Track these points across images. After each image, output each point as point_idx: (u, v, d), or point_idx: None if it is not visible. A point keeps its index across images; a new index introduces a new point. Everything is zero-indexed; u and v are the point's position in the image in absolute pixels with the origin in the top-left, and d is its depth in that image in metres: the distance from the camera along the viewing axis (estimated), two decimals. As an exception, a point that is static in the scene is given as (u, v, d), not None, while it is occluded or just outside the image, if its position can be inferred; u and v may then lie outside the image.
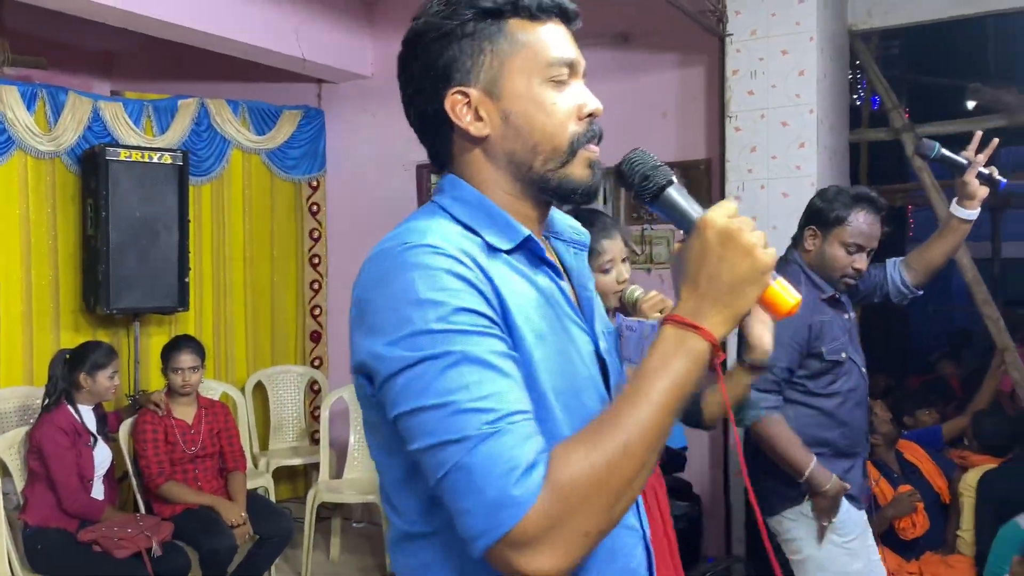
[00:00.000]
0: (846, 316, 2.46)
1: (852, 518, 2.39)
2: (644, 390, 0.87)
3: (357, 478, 4.43)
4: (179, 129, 4.75)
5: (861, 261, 2.37)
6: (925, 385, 5.06)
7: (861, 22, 4.21)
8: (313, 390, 5.20)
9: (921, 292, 2.60)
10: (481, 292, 0.91)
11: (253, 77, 5.27)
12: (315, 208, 5.37)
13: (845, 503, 2.36)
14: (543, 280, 1.01)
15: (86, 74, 5.67)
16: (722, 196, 3.85)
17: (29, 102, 4.24)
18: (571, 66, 1.02)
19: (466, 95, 1.00)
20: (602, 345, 1.07)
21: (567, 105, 1.01)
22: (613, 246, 2.03)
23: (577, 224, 1.16)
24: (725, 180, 3.84)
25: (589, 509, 0.82)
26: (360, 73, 5.14)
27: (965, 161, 2.33)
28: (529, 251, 1.01)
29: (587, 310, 1.07)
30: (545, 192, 1.02)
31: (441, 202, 1.02)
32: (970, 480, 3.55)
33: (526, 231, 1.00)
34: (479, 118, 1.00)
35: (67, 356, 3.52)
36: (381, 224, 5.21)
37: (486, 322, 0.89)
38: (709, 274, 0.89)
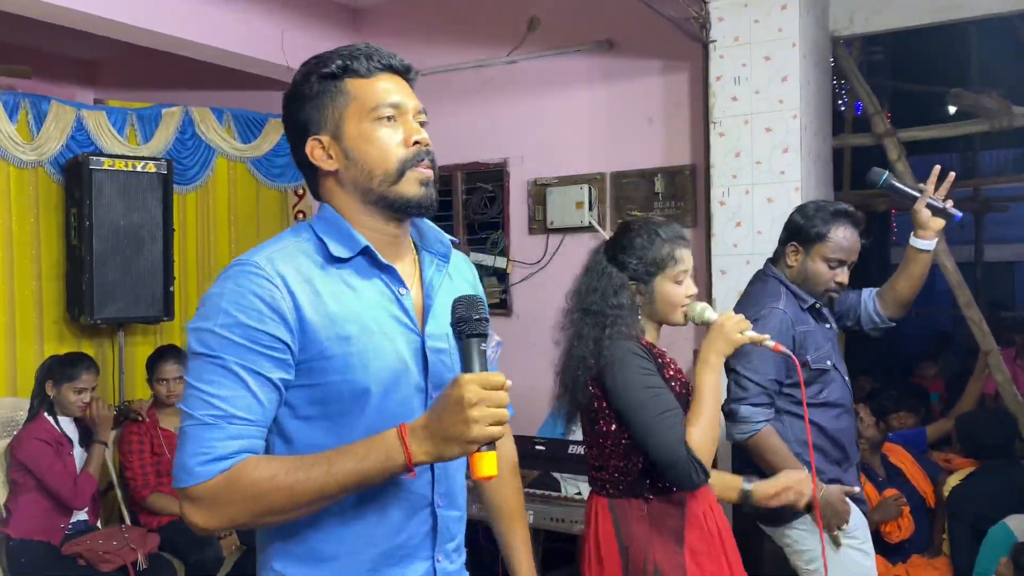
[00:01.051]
0: (828, 326, 2.49)
1: (859, 518, 2.43)
2: (334, 462, 1.12)
3: (345, 487, 4.42)
4: (163, 137, 4.73)
5: (843, 275, 2.43)
6: (905, 389, 5.09)
7: (843, 28, 4.24)
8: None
9: (894, 324, 2.64)
10: (274, 312, 1.17)
11: (238, 85, 5.26)
12: (301, 216, 5.35)
13: (853, 507, 2.40)
14: (375, 286, 1.26)
15: (69, 83, 5.64)
16: (707, 201, 3.87)
17: (11, 112, 4.22)
18: (396, 107, 1.28)
19: (320, 141, 1.28)
20: (431, 345, 1.30)
21: (394, 137, 1.27)
22: (688, 257, 1.97)
23: (445, 239, 1.40)
24: (710, 185, 3.85)
25: (239, 508, 1.13)
26: (345, 81, 5.14)
27: (915, 193, 2.39)
28: (368, 259, 1.27)
29: (431, 315, 1.31)
30: (388, 207, 1.27)
31: (313, 220, 1.32)
32: (953, 483, 3.57)
33: (364, 242, 1.26)
34: (330, 157, 1.28)
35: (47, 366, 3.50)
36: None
37: (262, 340, 1.16)
38: (438, 418, 1.11)
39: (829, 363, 2.41)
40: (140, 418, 3.59)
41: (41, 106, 4.32)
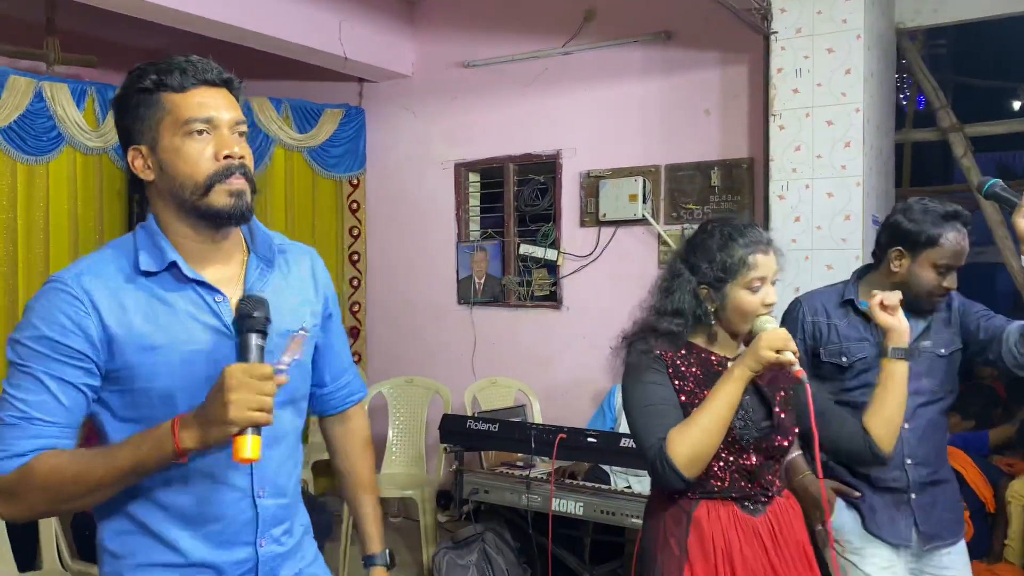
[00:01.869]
0: (867, 328, 2.30)
1: (850, 526, 2.28)
2: (114, 451, 1.24)
3: (396, 473, 4.46)
4: (223, 126, 4.81)
5: (951, 280, 2.22)
6: (964, 392, 4.95)
7: (909, 20, 4.15)
8: (351, 386, 5.23)
9: None
10: (77, 327, 1.26)
11: (296, 75, 5.33)
12: (355, 206, 5.41)
13: (846, 512, 2.28)
14: (184, 299, 1.33)
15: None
16: (766, 195, 3.81)
17: (79, 99, 4.33)
18: (208, 121, 1.31)
19: (139, 151, 1.33)
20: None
21: (205, 152, 1.31)
22: (766, 262, 1.79)
23: (274, 242, 1.46)
24: (769, 179, 3.80)
25: (34, 497, 1.24)
26: (400, 72, 5.17)
27: (1016, 200, 2.12)
28: (176, 271, 1.33)
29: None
30: (200, 217, 1.32)
31: (138, 228, 1.37)
32: (1017, 488, 3.49)
33: (172, 256, 1.32)
34: (148, 167, 1.33)
35: None
36: (419, 222, 5.28)
37: (63, 352, 1.26)
38: (204, 404, 1.20)
39: (844, 360, 2.28)
40: None
41: (107, 94, 4.43)
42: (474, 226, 5.18)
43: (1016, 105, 6.64)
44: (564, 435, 3.36)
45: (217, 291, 1.35)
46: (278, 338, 1.36)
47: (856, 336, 2.30)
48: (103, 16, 4.01)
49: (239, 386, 1.17)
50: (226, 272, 1.38)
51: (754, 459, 1.79)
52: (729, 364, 1.80)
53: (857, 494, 2.25)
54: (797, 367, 1.71)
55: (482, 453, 4.00)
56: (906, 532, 2.24)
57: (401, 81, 5.26)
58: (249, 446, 1.20)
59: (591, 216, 4.65)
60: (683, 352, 1.83)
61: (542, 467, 3.67)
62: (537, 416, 4.49)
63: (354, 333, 5.41)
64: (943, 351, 2.33)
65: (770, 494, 1.83)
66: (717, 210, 4.26)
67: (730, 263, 1.78)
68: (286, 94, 5.24)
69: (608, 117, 4.62)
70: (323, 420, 1.66)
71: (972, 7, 4.01)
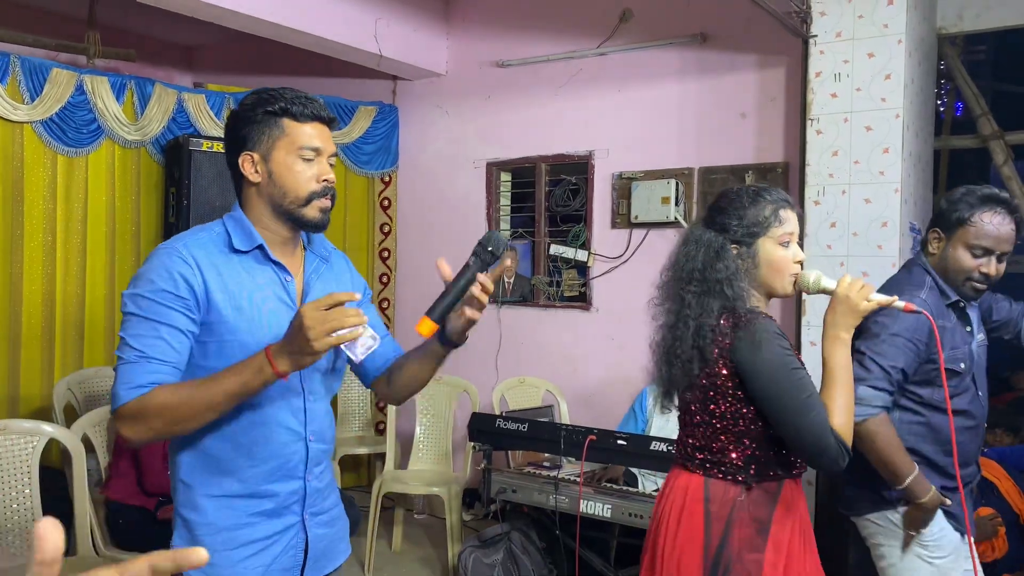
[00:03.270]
0: (968, 329, 2.29)
1: (947, 536, 2.25)
2: (219, 378, 1.47)
3: (422, 470, 4.48)
4: (258, 122, 4.85)
5: (989, 265, 2.19)
6: (1005, 402, 4.88)
7: (951, 25, 4.09)
8: (378, 382, 5.26)
9: None
10: (187, 283, 1.53)
11: (330, 72, 5.37)
12: (386, 203, 5.44)
13: (942, 519, 2.24)
14: (265, 275, 1.63)
15: (169, 67, 5.83)
16: (801, 200, 3.78)
17: (118, 93, 4.38)
18: (316, 150, 1.63)
19: (251, 156, 1.62)
20: None
21: (309, 173, 1.63)
22: (792, 219, 1.80)
23: (329, 245, 1.79)
24: (805, 184, 3.77)
25: (154, 421, 1.47)
26: (434, 71, 5.19)
27: None
28: (261, 253, 1.63)
29: (306, 297, 1.67)
30: (291, 220, 1.63)
31: (225, 217, 1.66)
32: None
33: (259, 240, 1.62)
34: (256, 171, 1.62)
35: None
36: (450, 219, 5.30)
37: (176, 301, 1.52)
38: (288, 340, 1.43)
39: (963, 366, 2.22)
40: None
41: (145, 88, 4.48)
42: (505, 225, 5.18)
43: (1055, 113, 6.53)
44: (594, 436, 3.36)
45: (288, 272, 1.66)
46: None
47: (960, 339, 2.25)
48: (143, 11, 4.06)
49: (312, 320, 1.39)
50: (292, 261, 1.69)
51: None
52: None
53: (949, 502, 2.21)
54: (902, 302, 1.74)
55: (509, 452, 4.01)
56: (971, 523, 2.30)
57: (435, 80, 5.28)
58: (423, 327, 1.55)
59: (623, 218, 4.63)
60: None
61: (568, 468, 3.66)
62: (564, 417, 4.49)
63: (383, 329, 5.44)
64: (986, 342, 2.37)
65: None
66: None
67: (760, 218, 1.77)
68: (320, 91, 5.27)
69: (642, 118, 4.60)
70: (377, 381, 1.85)
71: (1016, 13, 3.95)
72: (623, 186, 4.63)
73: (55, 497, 3.33)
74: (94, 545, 3.27)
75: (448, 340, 1.67)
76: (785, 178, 4.13)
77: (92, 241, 4.34)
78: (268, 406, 1.61)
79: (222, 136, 4.88)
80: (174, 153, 4.41)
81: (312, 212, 1.63)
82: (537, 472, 3.61)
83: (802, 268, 1.81)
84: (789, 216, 1.79)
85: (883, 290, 2.30)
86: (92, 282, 4.34)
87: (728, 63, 4.33)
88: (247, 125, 1.62)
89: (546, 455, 3.78)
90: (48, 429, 3.29)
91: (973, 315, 2.32)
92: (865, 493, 2.30)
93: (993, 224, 2.18)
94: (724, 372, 1.76)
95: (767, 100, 4.23)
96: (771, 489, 1.81)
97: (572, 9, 4.80)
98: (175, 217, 4.38)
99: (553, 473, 3.56)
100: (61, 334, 4.26)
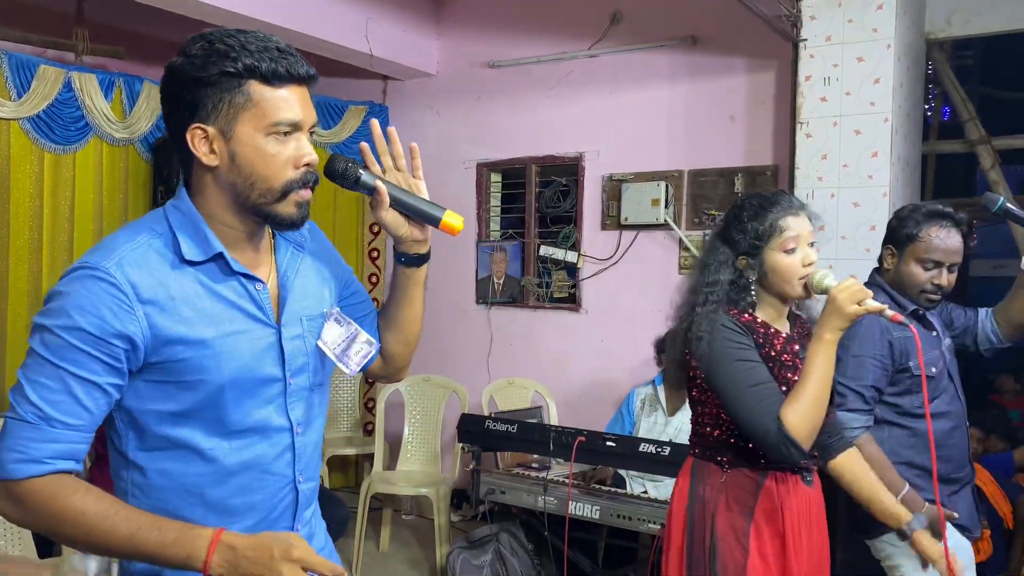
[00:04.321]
0: (934, 334, 2.38)
1: (962, 547, 2.27)
2: (141, 532, 1.14)
3: (410, 470, 4.47)
4: (247, 120, 4.83)
5: (941, 277, 2.31)
6: (982, 405, 4.91)
7: (939, 31, 4.12)
8: (368, 382, 5.25)
9: (1009, 345, 2.51)
10: (117, 324, 1.16)
11: (320, 71, 5.29)
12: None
13: (955, 532, 2.25)
14: (229, 288, 1.26)
15: (159, 64, 5.79)
16: (790, 204, 3.79)
17: (107, 90, 4.36)
18: (293, 125, 1.23)
19: (204, 131, 1.21)
20: (287, 334, 1.31)
21: (285, 155, 1.23)
22: (798, 224, 1.84)
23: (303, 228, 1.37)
24: (794, 187, 3.78)
25: (41, 520, 1.16)
26: (425, 71, 5.18)
27: None
28: (222, 263, 1.25)
29: (286, 305, 1.32)
30: (259, 216, 1.26)
31: (168, 207, 1.27)
32: (1039, 504, 3.45)
33: (218, 248, 1.24)
34: (212, 151, 1.22)
35: None
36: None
37: (97, 347, 1.16)
38: (252, 553, 1.13)
39: (934, 370, 2.30)
40: None
41: (134, 86, 4.46)
42: (494, 226, 5.18)
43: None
44: (583, 438, 3.36)
45: (258, 279, 1.29)
46: (309, 322, 1.35)
47: (931, 344, 2.34)
48: (131, 8, 4.04)
49: (288, 573, 1.11)
50: (258, 257, 1.32)
51: None
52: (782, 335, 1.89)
53: (956, 515, 2.20)
54: (890, 312, 1.75)
55: (498, 454, 4.01)
56: (977, 520, 2.40)
57: (426, 80, 5.27)
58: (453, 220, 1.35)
59: (612, 219, 4.64)
60: (763, 329, 1.87)
61: (557, 469, 3.66)
62: (553, 418, 4.49)
63: (372, 330, 5.43)
64: (953, 345, 2.47)
65: (815, 465, 1.93)
66: (740, 217, 4.24)
67: (762, 229, 1.84)
68: (311, 90, 5.25)
69: (632, 121, 4.61)
70: (373, 364, 1.53)
71: (1004, 19, 3.98)
72: (613, 188, 4.63)
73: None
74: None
75: (412, 256, 1.41)
76: (774, 181, 4.15)
77: (79, 239, 4.31)
78: (246, 450, 1.27)
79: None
80: (163, 151, 4.39)
81: (287, 208, 1.25)
82: (526, 473, 3.61)
83: (817, 269, 1.86)
84: (792, 223, 1.84)
85: None
86: (79, 280, 4.32)
87: (718, 66, 4.35)
88: (197, 87, 1.20)
89: (535, 456, 3.78)
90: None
91: (935, 320, 2.42)
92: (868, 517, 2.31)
93: (940, 238, 2.29)
94: (694, 364, 1.89)
95: (757, 103, 4.24)
96: (752, 476, 1.86)
97: (563, 10, 4.80)
98: (163, 216, 4.36)
99: (542, 474, 3.56)
100: (47, 333, 4.23)
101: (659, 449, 3.21)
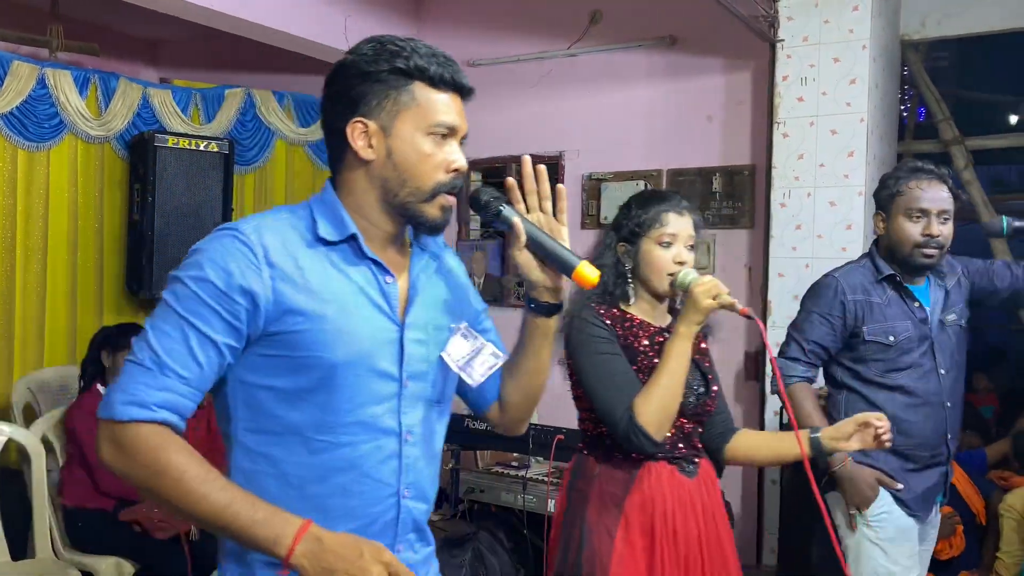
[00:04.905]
0: (916, 304, 2.34)
1: (893, 518, 2.30)
2: (234, 504, 1.13)
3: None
4: (225, 118, 4.80)
5: (931, 227, 2.26)
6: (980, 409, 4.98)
7: (914, 32, 4.17)
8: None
9: None
10: (243, 282, 1.18)
11: (299, 69, 5.32)
12: (354, 201, 5.40)
13: (888, 501, 2.29)
14: (359, 273, 1.27)
15: (134, 61, 5.74)
16: (767, 202, 3.83)
17: (81, 87, 4.31)
18: (451, 129, 1.28)
19: (365, 126, 1.25)
20: (410, 335, 1.30)
21: (439, 158, 1.27)
22: (677, 222, 1.89)
23: (442, 240, 1.42)
24: (771, 187, 3.81)
25: (138, 468, 1.14)
26: (404, 68, 5.17)
27: None
28: (355, 246, 1.28)
29: (413, 305, 1.32)
30: (403, 216, 1.29)
31: (312, 198, 1.31)
32: (1011, 501, 3.50)
33: (352, 229, 1.27)
34: (370, 146, 1.26)
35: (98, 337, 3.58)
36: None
37: (221, 302, 1.17)
38: (340, 550, 1.12)
39: (892, 339, 2.28)
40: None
41: (110, 83, 4.41)
42: (475, 225, 5.18)
43: (1014, 119, 6.66)
44: (562, 436, 3.36)
45: (389, 272, 1.30)
46: (435, 332, 1.34)
47: (898, 314, 2.32)
48: (107, 4, 4.00)
49: (372, 570, 1.10)
50: (394, 259, 1.32)
51: (688, 422, 1.91)
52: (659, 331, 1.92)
53: (899, 486, 2.28)
54: (740, 306, 1.78)
55: (477, 452, 4.01)
56: (935, 505, 2.40)
57: (405, 78, 5.25)
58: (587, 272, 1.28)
59: (592, 219, 4.65)
60: (628, 323, 1.91)
61: (536, 468, 3.67)
62: (533, 416, 4.49)
63: (351, 329, 5.41)
64: (963, 322, 2.42)
65: (699, 457, 1.95)
66: (718, 216, 4.27)
67: (644, 218, 1.89)
68: (289, 87, 5.23)
69: (612, 120, 4.62)
70: (491, 407, 1.53)
71: (976, 21, 4.03)
72: (593, 187, 4.65)
73: (12, 499, 3.27)
74: (54, 548, 3.21)
75: (542, 304, 1.34)
76: (752, 180, 4.18)
77: (53, 238, 4.26)
78: (349, 448, 1.24)
79: (188, 132, 4.77)
80: (139, 149, 4.35)
81: (433, 210, 1.27)
82: (505, 472, 3.62)
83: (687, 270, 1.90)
84: (673, 220, 1.89)
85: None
86: (53, 280, 4.26)
87: (696, 66, 4.37)
88: (365, 82, 1.24)
89: (514, 455, 3.78)
90: (6, 429, 3.23)
91: (930, 293, 2.37)
92: (828, 473, 2.37)
93: (923, 188, 2.29)
94: (564, 354, 1.95)
95: (734, 103, 4.27)
96: (625, 469, 1.89)
97: (543, 10, 4.81)
98: (139, 214, 4.32)
99: (521, 473, 3.57)
100: (20, 332, 4.17)
101: (638, 447, 3.23)
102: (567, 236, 1.34)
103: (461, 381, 1.40)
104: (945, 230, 2.29)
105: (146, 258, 4.24)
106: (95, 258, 4.43)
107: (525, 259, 1.30)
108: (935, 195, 2.29)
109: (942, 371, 2.34)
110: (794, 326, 2.41)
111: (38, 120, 4.16)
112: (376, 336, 1.26)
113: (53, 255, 4.26)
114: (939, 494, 2.42)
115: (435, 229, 1.30)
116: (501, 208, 1.31)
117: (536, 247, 1.30)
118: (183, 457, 1.14)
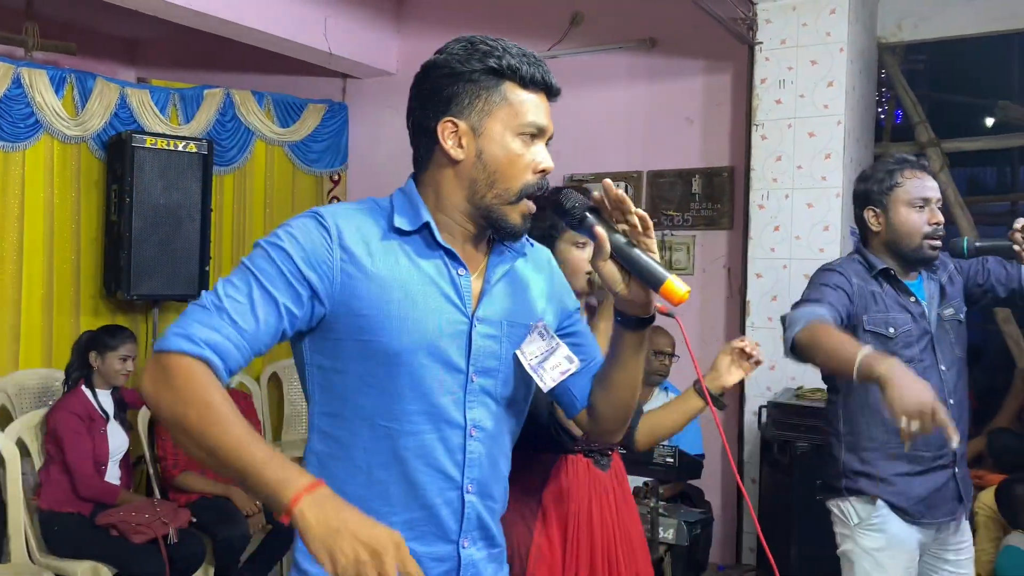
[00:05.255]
0: (912, 299, 2.26)
1: (886, 525, 2.20)
2: (249, 445, 1.09)
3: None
4: (204, 118, 4.77)
5: (934, 215, 2.20)
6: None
7: (891, 35, 4.21)
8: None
9: None
10: (312, 255, 1.21)
11: (279, 69, 5.30)
12: (335, 201, 5.39)
13: (884, 507, 2.20)
14: (432, 265, 1.27)
15: (112, 61, 5.69)
16: (746, 203, 3.85)
17: (58, 87, 4.26)
18: (540, 130, 1.27)
19: (456, 125, 1.25)
20: (480, 329, 1.29)
21: (528, 159, 1.26)
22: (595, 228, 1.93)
23: (525, 241, 1.39)
24: (749, 188, 3.84)
25: (171, 395, 1.12)
26: (385, 69, 5.16)
27: (1006, 243, 2.14)
28: (428, 236, 1.28)
29: (486, 299, 1.31)
30: (486, 219, 1.27)
31: (395, 192, 1.32)
32: (984, 500, 3.54)
33: (426, 218, 1.27)
34: (460, 146, 1.25)
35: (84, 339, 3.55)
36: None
37: (289, 266, 1.20)
38: (350, 518, 1.05)
39: (892, 331, 2.18)
40: None
41: (86, 82, 4.37)
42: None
43: (989, 122, 6.75)
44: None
45: (462, 264, 1.29)
46: (510, 328, 1.32)
47: (896, 307, 2.24)
48: (84, 3, 3.96)
49: (381, 546, 1.01)
50: (473, 252, 1.32)
51: None
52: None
53: (942, 414, 1.83)
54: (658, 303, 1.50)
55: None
56: (952, 507, 2.23)
57: (386, 78, 5.24)
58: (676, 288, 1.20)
59: (572, 219, 4.66)
60: None
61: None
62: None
63: (331, 330, 5.39)
64: (962, 316, 2.33)
65: (612, 450, 1.98)
66: (697, 217, 4.30)
67: (556, 223, 1.85)
68: (269, 88, 5.20)
69: (592, 122, 4.63)
70: (581, 413, 1.47)
71: (952, 24, 4.08)
72: (574, 188, 4.65)
73: (-12, 502, 3.23)
74: (29, 552, 3.18)
75: (630, 317, 1.30)
76: (731, 182, 4.20)
77: (29, 240, 4.21)
78: (413, 437, 1.25)
79: (167, 133, 4.72)
80: (116, 149, 4.31)
81: (515, 215, 1.26)
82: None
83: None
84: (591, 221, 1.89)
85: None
86: (29, 282, 4.21)
87: (676, 68, 4.39)
88: (457, 82, 1.24)
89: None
90: (-20, 432, 3.19)
91: (925, 287, 2.30)
92: (825, 482, 2.32)
93: (919, 178, 2.22)
94: None
95: (713, 105, 4.29)
96: (543, 461, 1.90)
97: (523, 11, 4.82)
98: (117, 215, 4.28)
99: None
100: (-5, 334, 4.13)
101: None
102: (656, 249, 1.27)
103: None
104: (941, 217, 2.24)
105: (123, 259, 4.20)
106: (72, 259, 4.39)
107: (609, 271, 1.24)
108: (932, 184, 2.23)
109: (943, 367, 2.24)
110: (801, 300, 2.21)
111: (13, 120, 4.11)
112: (443, 327, 1.25)
113: (29, 256, 4.22)
114: (954, 499, 2.24)
115: (515, 236, 1.29)
116: (586, 214, 1.26)
117: (622, 257, 1.24)
118: (214, 391, 1.12)
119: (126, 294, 4.21)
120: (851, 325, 2.19)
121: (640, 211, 1.26)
